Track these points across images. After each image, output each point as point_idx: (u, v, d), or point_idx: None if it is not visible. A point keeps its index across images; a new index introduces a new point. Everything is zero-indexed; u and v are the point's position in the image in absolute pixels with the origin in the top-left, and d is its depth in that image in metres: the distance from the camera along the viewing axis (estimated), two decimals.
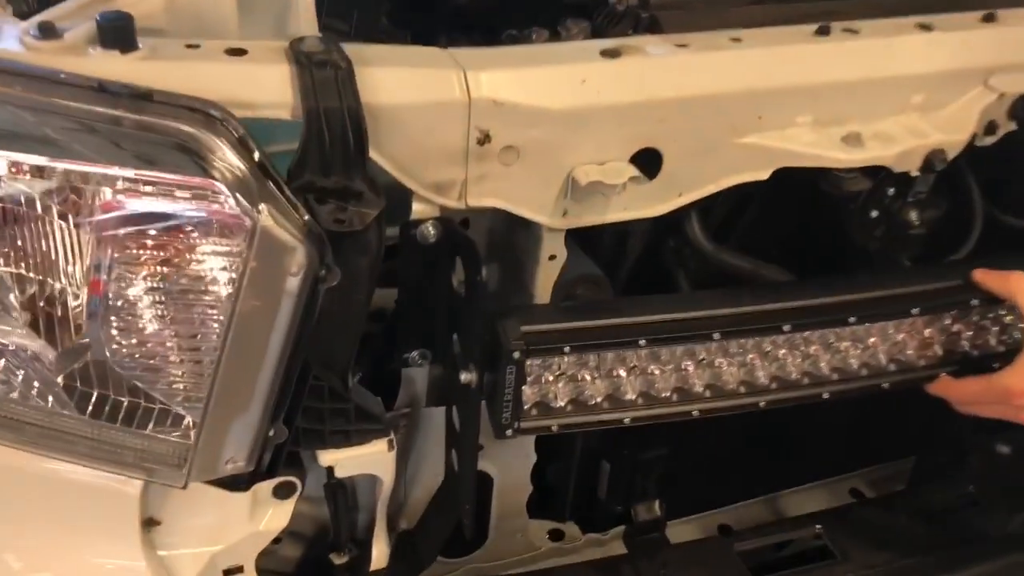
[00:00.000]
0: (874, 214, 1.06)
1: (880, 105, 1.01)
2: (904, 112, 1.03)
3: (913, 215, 1.06)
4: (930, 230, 1.09)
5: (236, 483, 0.91)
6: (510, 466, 1.15)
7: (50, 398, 0.85)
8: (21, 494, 0.90)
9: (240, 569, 0.98)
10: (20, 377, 0.87)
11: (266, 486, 0.94)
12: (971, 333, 1.01)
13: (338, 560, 1.09)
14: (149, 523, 0.92)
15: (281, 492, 0.95)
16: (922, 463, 1.35)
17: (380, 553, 1.06)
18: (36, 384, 0.85)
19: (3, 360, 0.86)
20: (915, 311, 0.97)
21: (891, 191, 1.05)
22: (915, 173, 1.03)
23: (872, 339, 0.98)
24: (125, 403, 0.86)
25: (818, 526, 1.15)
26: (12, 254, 0.84)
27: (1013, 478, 1.22)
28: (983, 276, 1.00)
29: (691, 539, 1.24)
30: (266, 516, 0.95)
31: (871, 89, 1.01)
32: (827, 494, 1.37)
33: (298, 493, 0.96)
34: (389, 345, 1.00)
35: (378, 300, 1.20)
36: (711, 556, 1.10)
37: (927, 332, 0.99)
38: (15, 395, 0.85)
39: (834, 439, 1.37)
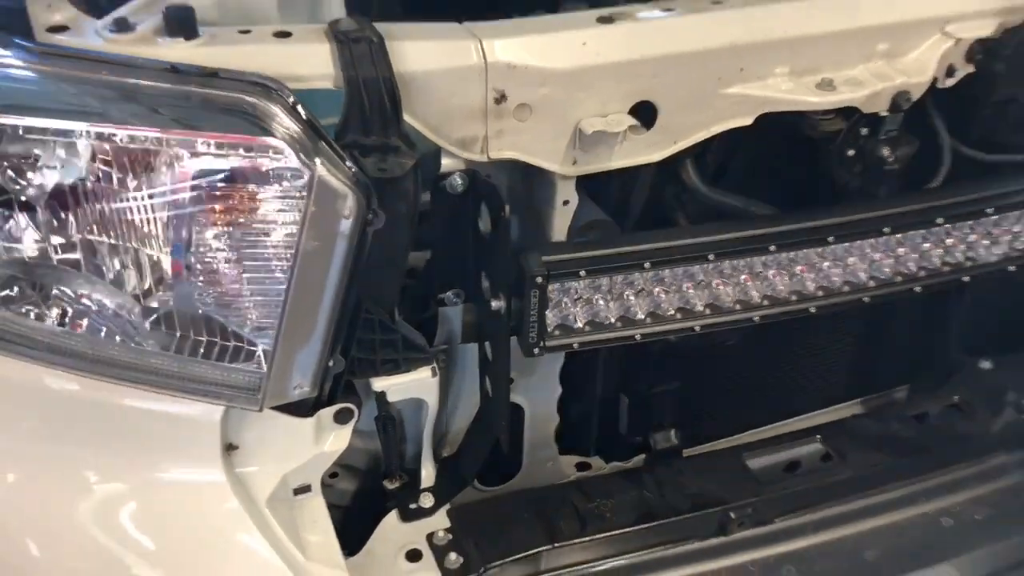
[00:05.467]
0: (851, 153, 1.19)
1: (849, 54, 1.14)
2: (871, 59, 1.16)
3: (886, 151, 1.19)
4: (904, 166, 1.22)
5: (302, 409, 1.06)
6: (538, 397, 1.29)
7: (151, 340, 0.99)
8: (124, 427, 1.04)
9: (308, 488, 1.12)
10: (123, 325, 1.02)
11: (327, 412, 1.08)
12: (940, 251, 1.14)
13: (391, 485, 1.23)
14: (229, 448, 1.06)
15: (341, 417, 1.09)
16: (915, 390, 1.47)
17: (428, 475, 1.20)
18: (137, 329, 1.00)
19: (111, 309, 1.01)
20: (886, 230, 1.10)
21: (864, 131, 1.18)
22: (884, 113, 1.15)
23: (851, 258, 1.11)
24: (205, 342, 1.00)
25: (818, 436, 1.28)
26: (107, 227, 0.99)
27: (994, 389, 1.35)
28: None
29: None
30: (329, 439, 1.09)
31: (840, 40, 1.14)
32: (831, 419, 1.49)
33: (355, 418, 1.10)
34: (426, 292, 1.14)
35: (411, 260, 1.35)
36: (723, 464, 1.23)
37: (900, 251, 1.12)
38: (119, 339, 1.00)
39: (836, 371, 1.50)
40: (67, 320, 1.02)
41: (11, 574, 1.02)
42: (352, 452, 1.27)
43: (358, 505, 1.30)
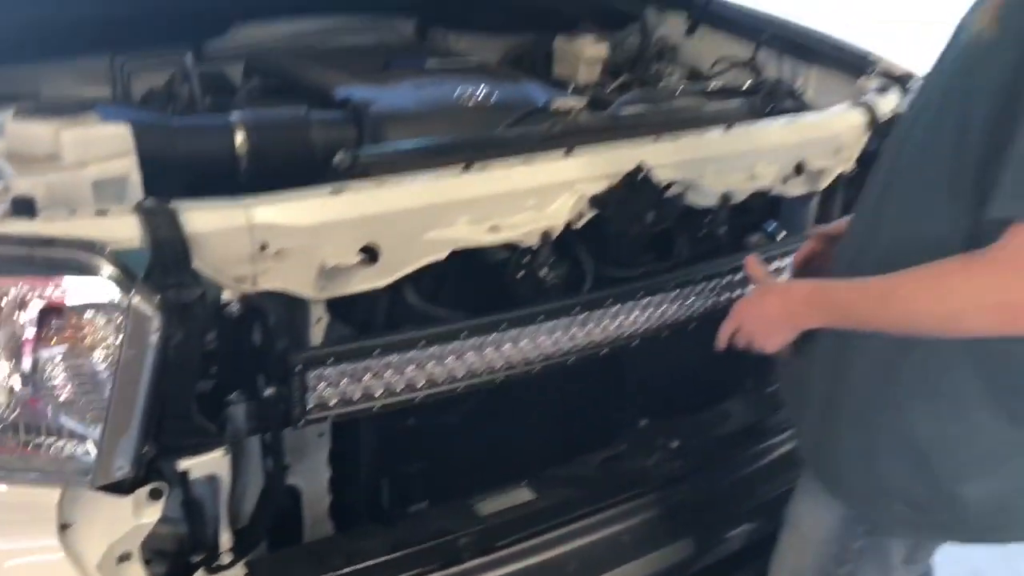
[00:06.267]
0: (521, 274, 1.70)
1: (508, 208, 1.67)
2: (524, 211, 1.69)
3: (544, 272, 1.70)
4: (561, 281, 1.74)
5: (123, 488, 1.38)
6: (311, 479, 1.66)
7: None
8: None
9: (129, 556, 1.42)
10: None
11: (143, 491, 1.40)
12: (583, 333, 1.66)
13: (196, 559, 1.54)
14: (64, 527, 1.36)
15: (154, 494, 1.41)
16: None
17: (227, 540, 1.53)
18: None
19: None
20: (540, 318, 1.61)
21: (527, 258, 1.69)
22: (537, 245, 1.68)
23: (523, 341, 1.60)
24: (45, 439, 1.32)
25: (524, 480, 1.73)
26: None
27: (648, 438, 1.86)
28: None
29: None
30: (145, 513, 1.40)
31: (502, 199, 1.66)
32: None
33: (165, 496, 1.42)
34: (217, 396, 1.51)
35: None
36: (457, 509, 1.65)
37: (556, 335, 1.63)
38: None
39: (541, 443, 1.96)
40: None
41: None
42: (162, 539, 1.58)
43: None
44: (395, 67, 2.23)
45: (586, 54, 2.65)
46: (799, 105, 2.39)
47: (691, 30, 2.88)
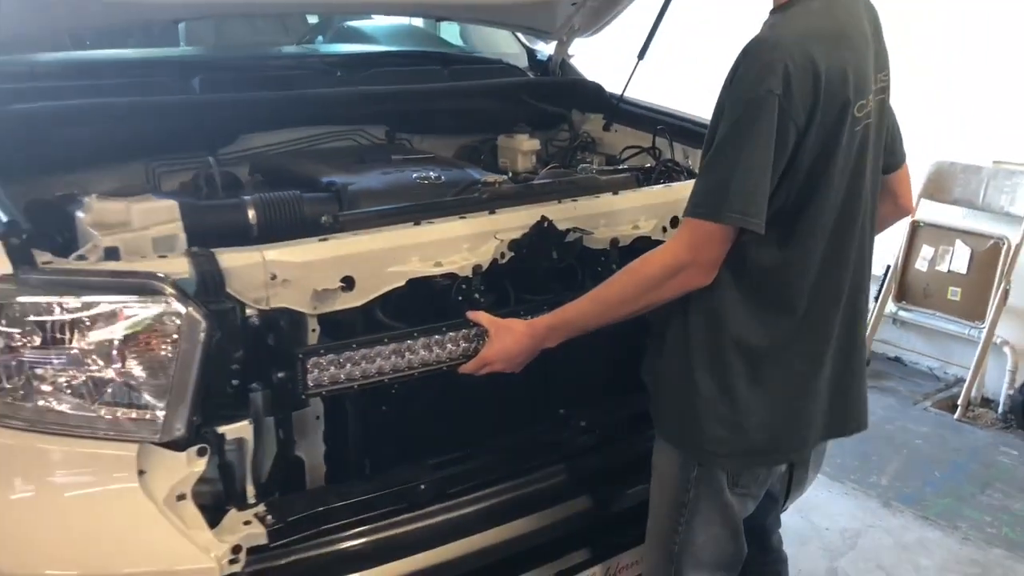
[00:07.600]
0: (460, 298, 2.34)
1: (447, 250, 2.31)
2: (460, 252, 2.33)
3: (477, 296, 2.34)
4: (491, 302, 2.37)
5: (180, 445, 1.98)
6: (311, 452, 2.25)
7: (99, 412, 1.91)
8: (82, 462, 1.91)
9: (184, 496, 2.00)
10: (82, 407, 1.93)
11: (193, 448, 2.00)
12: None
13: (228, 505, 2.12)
14: (140, 472, 1.95)
15: (201, 452, 2.01)
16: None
17: (249, 491, 2.11)
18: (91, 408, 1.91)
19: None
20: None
21: (464, 285, 2.33)
22: (471, 276, 2.32)
23: (435, 347, 2.23)
24: (132, 411, 1.93)
25: (468, 449, 2.33)
26: (78, 362, 1.93)
27: (565, 420, 2.47)
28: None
29: None
30: (195, 464, 1.99)
31: (442, 244, 2.31)
32: None
33: (209, 453, 2.02)
34: (243, 385, 2.12)
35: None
36: (416, 468, 2.25)
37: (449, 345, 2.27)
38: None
39: (483, 425, 2.54)
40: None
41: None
42: (205, 495, 2.16)
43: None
44: (367, 160, 2.92)
45: (522, 148, 3.35)
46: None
47: (607, 127, 3.61)
